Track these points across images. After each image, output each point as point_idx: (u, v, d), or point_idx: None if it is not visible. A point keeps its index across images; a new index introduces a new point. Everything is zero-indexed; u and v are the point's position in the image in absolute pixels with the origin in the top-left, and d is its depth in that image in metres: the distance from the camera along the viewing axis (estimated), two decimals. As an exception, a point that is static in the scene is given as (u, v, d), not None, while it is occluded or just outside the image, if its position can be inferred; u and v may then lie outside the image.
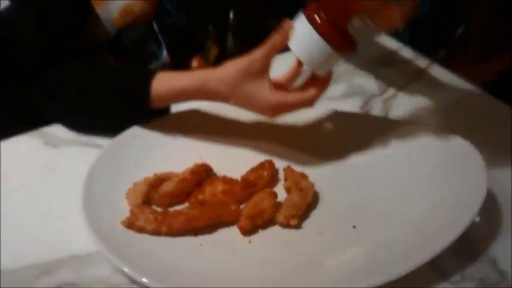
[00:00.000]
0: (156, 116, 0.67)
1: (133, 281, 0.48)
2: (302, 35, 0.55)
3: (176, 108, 0.68)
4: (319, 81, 0.58)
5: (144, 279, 0.46)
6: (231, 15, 1.16)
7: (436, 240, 0.49)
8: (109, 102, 0.68)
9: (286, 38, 0.57)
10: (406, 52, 0.90)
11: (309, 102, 0.59)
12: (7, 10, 0.86)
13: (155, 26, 0.85)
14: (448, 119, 0.71)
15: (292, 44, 0.56)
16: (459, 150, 0.58)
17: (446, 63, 2.58)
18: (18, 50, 0.78)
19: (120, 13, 0.82)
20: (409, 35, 2.79)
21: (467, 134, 0.61)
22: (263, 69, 0.59)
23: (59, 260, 0.51)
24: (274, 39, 0.58)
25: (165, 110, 0.70)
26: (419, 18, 2.81)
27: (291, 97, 0.59)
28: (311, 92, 0.58)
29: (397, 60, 0.87)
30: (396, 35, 2.77)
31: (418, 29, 2.84)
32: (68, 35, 0.76)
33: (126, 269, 0.46)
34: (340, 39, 0.54)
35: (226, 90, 0.60)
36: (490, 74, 2.18)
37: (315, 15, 0.54)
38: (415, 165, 0.59)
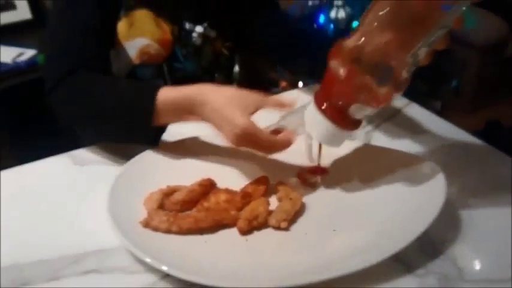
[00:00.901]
0: (156, 133, 0.77)
1: (147, 269, 0.58)
2: (317, 121, 0.64)
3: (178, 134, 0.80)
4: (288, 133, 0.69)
5: (155, 264, 0.56)
6: (236, 68, 1.30)
7: (402, 238, 0.58)
8: (116, 109, 0.76)
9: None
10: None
11: (275, 146, 0.69)
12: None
13: (165, 68, 0.97)
14: (420, 146, 0.82)
15: (309, 128, 0.66)
16: (425, 168, 0.69)
17: (441, 114, 2.70)
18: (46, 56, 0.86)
19: (139, 52, 0.93)
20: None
21: (433, 157, 0.72)
22: (252, 104, 0.69)
23: (86, 253, 0.61)
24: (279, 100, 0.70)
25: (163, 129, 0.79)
26: (414, 71, 2.94)
27: (262, 133, 0.68)
28: (282, 138, 0.69)
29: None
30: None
31: (413, 82, 2.97)
32: (92, 51, 0.85)
33: (143, 258, 0.57)
34: (343, 120, 0.63)
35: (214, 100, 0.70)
36: (480, 123, 2.29)
37: (324, 104, 0.63)
38: (388, 181, 0.69)
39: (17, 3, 2.09)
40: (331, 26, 2.48)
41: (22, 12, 2.10)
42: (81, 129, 0.82)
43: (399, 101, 0.96)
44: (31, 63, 1.84)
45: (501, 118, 2.29)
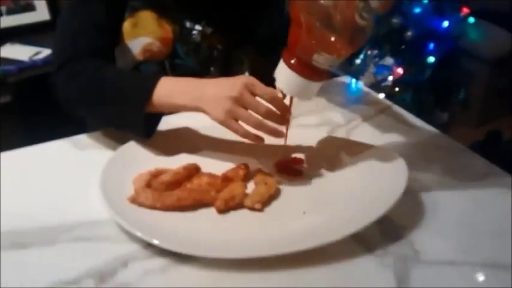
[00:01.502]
0: (148, 124, 0.81)
1: (131, 239, 0.64)
2: (285, 75, 0.70)
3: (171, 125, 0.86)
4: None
5: (138, 233, 0.63)
6: (247, 74, 1.37)
7: (362, 220, 0.64)
8: (114, 92, 0.81)
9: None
10: (373, 94, 1.07)
11: (276, 98, 0.72)
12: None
13: (167, 64, 1.04)
14: (394, 141, 0.88)
15: (279, 83, 0.71)
16: (389, 158, 0.75)
17: (447, 126, 2.73)
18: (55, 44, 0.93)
19: (142, 50, 1.00)
20: (411, 99, 2.95)
21: (404, 151, 0.78)
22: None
23: (79, 222, 0.68)
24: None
25: (158, 118, 0.83)
26: (420, 83, 2.95)
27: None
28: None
29: (366, 99, 1.05)
30: (399, 99, 2.93)
31: (419, 94, 2.99)
32: (99, 44, 0.91)
33: (128, 228, 0.63)
34: (309, 72, 0.69)
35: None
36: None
37: (290, 59, 0.69)
38: (355, 169, 0.76)
39: (36, 4, 2.19)
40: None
41: (41, 13, 2.20)
42: (78, 111, 0.87)
43: (383, 102, 1.02)
44: (47, 61, 1.93)
45: (503, 129, 2.33)
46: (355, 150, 0.79)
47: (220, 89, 0.73)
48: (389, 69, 2.59)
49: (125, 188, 0.71)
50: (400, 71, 2.56)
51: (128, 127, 0.83)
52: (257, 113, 0.72)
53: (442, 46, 2.66)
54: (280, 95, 0.73)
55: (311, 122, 0.93)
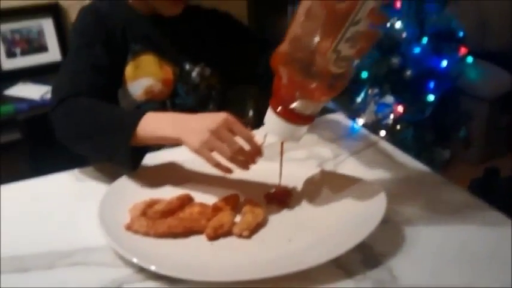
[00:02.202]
0: (136, 153, 0.86)
1: (125, 264, 0.69)
2: (273, 121, 0.75)
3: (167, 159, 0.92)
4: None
5: (134, 259, 0.67)
6: (251, 113, 1.44)
7: (342, 246, 0.68)
8: (102, 127, 0.86)
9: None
10: (361, 130, 1.13)
11: (251, 139, 0.77)
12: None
13: (168, 103, 1.10)
14: (379, 174, 0.93)
15: (268, 129, 0.76)
16: (370, 190, 0.79)
17: (449, 164, 2.75)
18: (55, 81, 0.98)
19: (144, 91, 1.06)
20: (412, 137, 2.98)
21: (387, 185, 0.83)
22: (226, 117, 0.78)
23: (76, 249, 0.73)
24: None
25: (143, 151, 0.88)
26: (421, 121, 2.99)
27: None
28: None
29: (354, 135, 1.10)
30: (400, 136, 2.95)
31: (420, 131, 3.03)
32: (98, 85, 0.97)
33: (122, 253, 0.68)
34: (295, 117, 0.74)
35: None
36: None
37: (277, 107, 0.74)
38: (339, 200, 0.80)
39: (49, 45, 2.29)
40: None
41: (53, 54, 2.30)
42: (72, 145, 0.91)
43: (370, 137, 1.07)
44: (57, 100, 2.01)
45: (503, 167, 2.36)
46: (339, 182, 0.84)
47: (201, 122, 0.79)
48: (390, 108, 2.64)
49: (121, 217, 0.76)
50: (400, 109, 2.61)
51: (115, 160, 0.87)
52: (231, 148, 0.77)
53: (441, 85, 2.71)
54: (258, 137, 0.79)
55: (300, 156, 0.98)
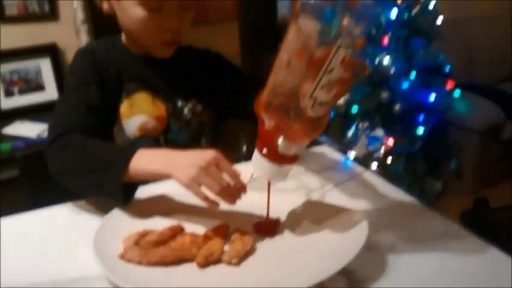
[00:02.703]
0: (128, 189, 0.89)
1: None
2: (259, 162, 0.80)
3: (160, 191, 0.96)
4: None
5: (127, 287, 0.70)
6: (244, 148, 1.48)
7: (326, 271, 0.72)
8: (95, 164, 0.90)
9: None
10: (348, 161, 1.17)
11: (237, 176, 0.82)
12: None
13: (161, 139, 1.14)
14: (363, 204, 0.96)
15: (255, 169, 0.80)
16: (355, 218, 0.83)
17: (441, 195, 2.78)
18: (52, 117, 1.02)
19: (138, 127, 1.11)
20: (403, 169, 3.02)
21: (371, 214, 0.87)
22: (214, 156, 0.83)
23: (75, 278, 0.76)
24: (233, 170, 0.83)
25: (135, 187, 0.92)
26: (412, 153, 3.04)
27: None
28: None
29: (340, 167, 1.14)
30: (392, 169, 2.99)
31: (412, 163, 3.07)
32: (91, 124, 1.01)
33: (116, 281, 0.71)
34: (280, 158, 0.78)
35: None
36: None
37: (262, 148, 0.79)
38: (324, 228, 0.84)
39: (46, 84, 2.35)
40: (332, 111, 2.66)
41: (50, 92, 2.37)
42: (65, 182, 0.95)
43: (356, 169, 1.12)
44: (53, 137, 2.06)
45: (495, 197, 2.40)
46: (324, 211, 0.88)
47: (190, 158, 0.83)
48: (381, 140, 2.69)
49: (116, 247, 0.80)
50: (391, 142, 2.66)
51: (107, 195, 0.90)
52: (219, 184, 0.81)
53: (431, 118, 2.77)
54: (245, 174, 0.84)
55: (288, 187, 1.02)
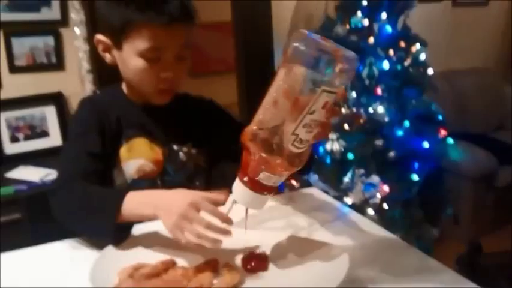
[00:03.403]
0: (122, 229, 0.96)
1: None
2: (240, 190, 0.85)
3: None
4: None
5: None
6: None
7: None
8: (91, 209, 0.98)
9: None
10: (334, 202, 1.23)
11: (222, 215, 0.88)
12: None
13: (158, 180, 1.20)
14: (349, 241, 1.02)
15: (235, 196, 0.86)
16: (337, 254, 0.88)
17: (438, 241, 2.80)
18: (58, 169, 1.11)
19: (137, 170, 1.17)
20: (399, 215, 3.06)
21: (354, 250, 0.92)
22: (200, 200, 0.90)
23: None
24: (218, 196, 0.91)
25: (129, 227, 0.98)
26: (408, 200, 3.08)
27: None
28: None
29: (327, 207, 1.20)
30: (388, 215, 3.02)
31: (408, 210, 3.10)
32: (93, 170, 1.09)
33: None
34: (259, 187, 0.84)
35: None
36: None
37: (243, 177, 0.85)
38: (308, 262, 0.89)
39: (50, 131, 2.44)
40: (328, 157, 2.73)
41: (54, 139, 2.44)
42: (67, 225, 1.02)
43: (341, 209, 1.17)
44: (56, 181, 2.12)
45: (487, 243, 2.42)
46: (308, 246, 0.93)
47: (172, 203, 0.91)
48: (377, 187, 2.74)
49: (111, 280, 0.84)
50: (386, 188, 2.71)
51: (103, 237, 0.97)
52: (200, 225, 0.87)
53: (425, 165, 2.83)
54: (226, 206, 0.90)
55: (277, 225, 1.07)
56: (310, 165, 0.83)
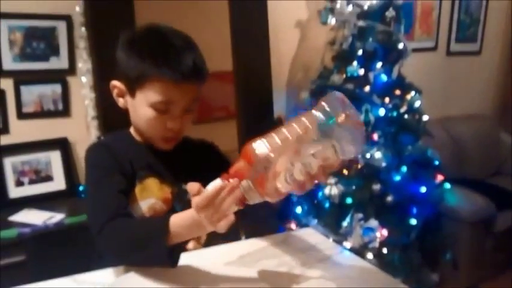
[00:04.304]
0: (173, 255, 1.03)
1: None
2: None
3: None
4: None
5: None
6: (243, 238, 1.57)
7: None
8: (141, 240, 1.05)
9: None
10: (327, 241, 1.27)
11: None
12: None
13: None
14: (338, 278, 1.06)
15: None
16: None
17: (438, 286, 2.80)
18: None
19: (148, 208, 1.25)
20: (398, 260, 3.06)
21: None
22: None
23: None
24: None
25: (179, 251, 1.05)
26: (407, 244, 3.09)
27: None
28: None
29: (320, 246, 1.24)
30: (387, 259, 3.03)
31: (407, 254, 3.11)
32: (123, 205, 1.17)
33: None
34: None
35: None
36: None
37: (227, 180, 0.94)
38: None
39: (54, 175, 2.50)
40: (327, 201, 2.76)
41: (58, 183, 2.50)
42: (121, 260, 1.10)
43: (334, 247, 1.22)
44: (59, 224, 2.17)
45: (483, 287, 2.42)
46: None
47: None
48: (375, 231, 2.76)
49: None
50: (384, 232, 2.73)
51: (158, 264, 1.05)
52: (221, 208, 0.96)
53: (423, 209, 2.85)
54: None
55: (270, 265, 1.11)
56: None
